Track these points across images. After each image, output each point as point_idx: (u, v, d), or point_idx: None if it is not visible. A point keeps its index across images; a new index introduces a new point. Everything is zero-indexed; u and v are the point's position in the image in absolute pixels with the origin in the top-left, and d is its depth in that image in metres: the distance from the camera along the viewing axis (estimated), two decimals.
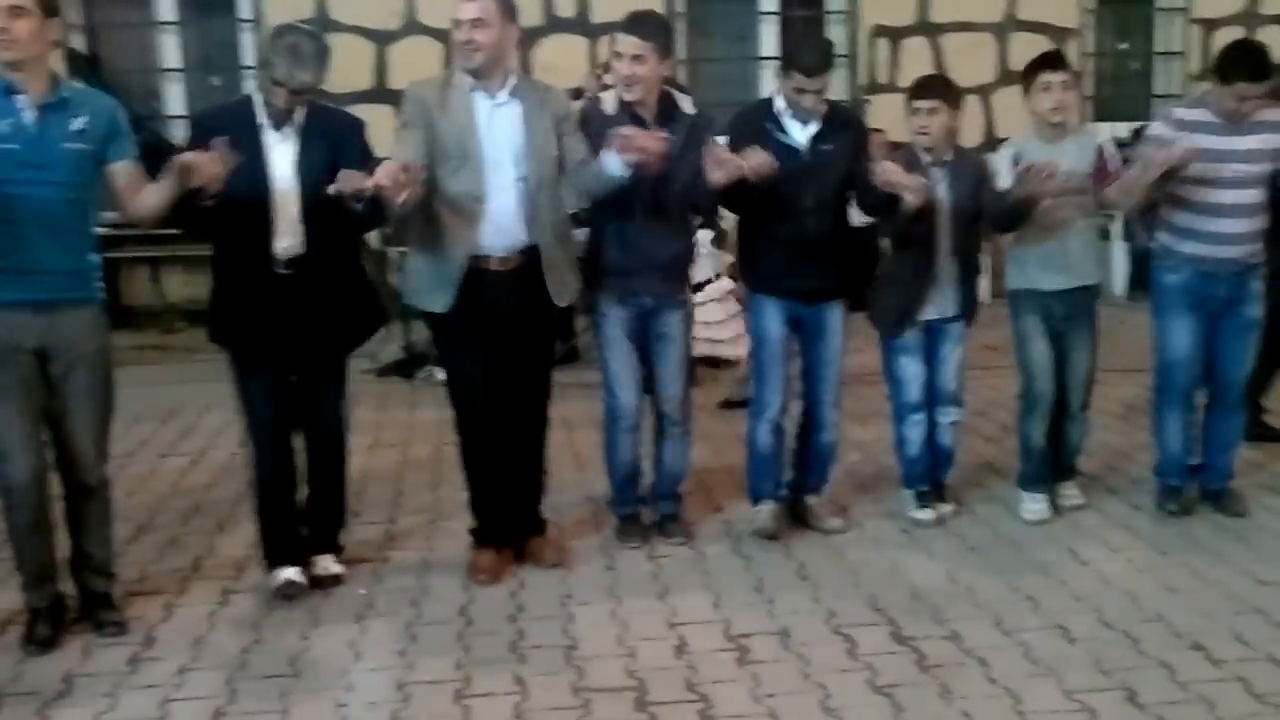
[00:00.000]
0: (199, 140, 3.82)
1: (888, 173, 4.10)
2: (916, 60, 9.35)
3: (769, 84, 9.29)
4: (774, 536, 4.44)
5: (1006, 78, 9.20)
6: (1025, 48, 9.31)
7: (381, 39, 8.64)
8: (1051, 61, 4.42)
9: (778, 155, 4.11)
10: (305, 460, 4.15)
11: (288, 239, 3.86)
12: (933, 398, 4.58)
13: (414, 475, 5.27)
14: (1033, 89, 4.40)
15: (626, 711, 3.33)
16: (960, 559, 4.32)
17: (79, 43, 8.94)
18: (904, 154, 4.37)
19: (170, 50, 8.95)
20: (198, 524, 4.79)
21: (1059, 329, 4.52)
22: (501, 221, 3.98)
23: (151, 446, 5.81)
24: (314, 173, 3.82)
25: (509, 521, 4.31)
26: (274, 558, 4.11)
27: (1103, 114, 9.56)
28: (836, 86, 9.35)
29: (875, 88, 9.24)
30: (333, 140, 3.91)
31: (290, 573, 4.07)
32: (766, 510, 4.51)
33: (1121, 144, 4.93)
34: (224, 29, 8.94)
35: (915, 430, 4.56)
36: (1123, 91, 9.80)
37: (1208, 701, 3.30)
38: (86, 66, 8.83)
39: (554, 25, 8.91)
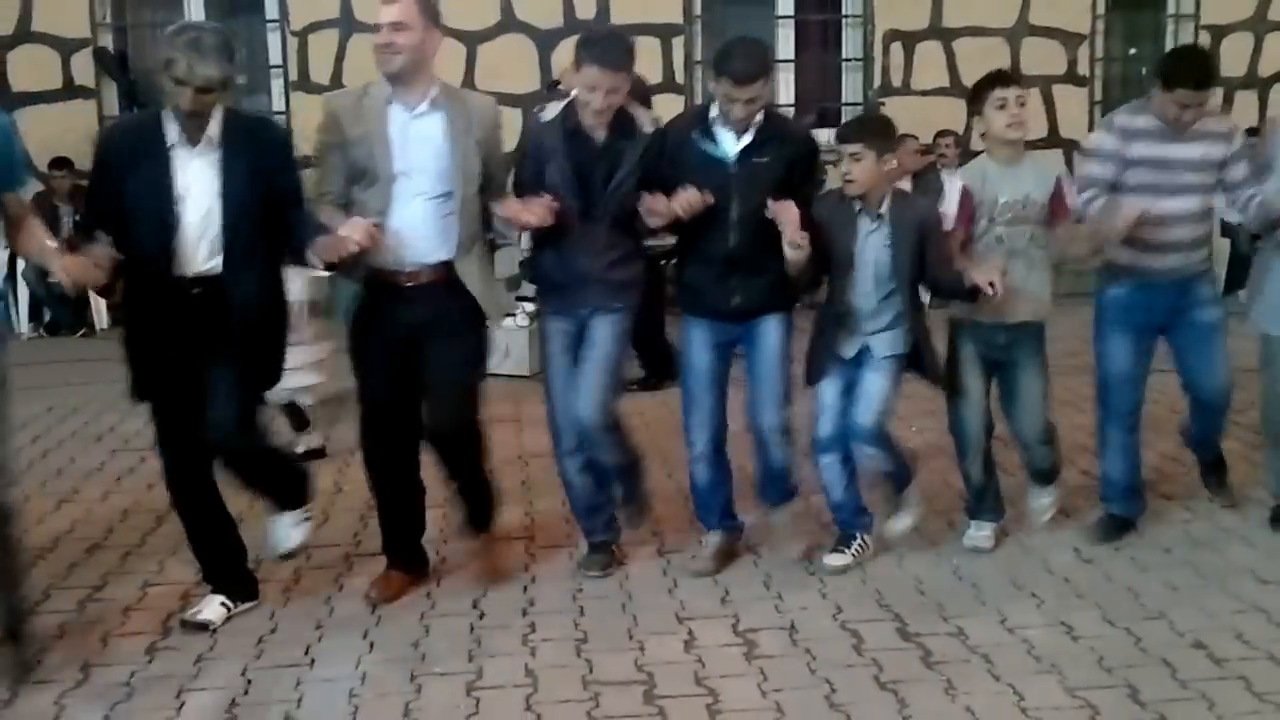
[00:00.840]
0: (106, 157, 3.59)
1: (776, 211, 3.79)
2: (930, 64, 9.33)
3: (785, 88, 9.28)
4: (712, 573, 4.15)
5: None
6: (1037, 52, 9.32)
7: None
8: (1004, 78, 4.08)
9: (702, 167, 3.89)
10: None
11: (204, 258, 3.56)
12: (848, 431, 4.14)
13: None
14: (986, 108, 4.03)
15: (635, 704, 3.31)
16: (965, 557, 4.28)
17: (108, 41, 8.97)
18: (830, 199, 4.04)
19: None
20: None
21: (1001, 359, 4.21)
22: (411, 236, 3.74)
23: None
24: (238, 189, 3.55)
25: (416, 544, 4.16)
26: (207, 577, 3.94)
27: None
28: (851, 88, 9.39)
29: (889, 91, 9.21)
30: (256, 152, 3.60)
31: (209, 610, 3.81)
32: (711, 544, 4.23)
33: None
34: (253, 29, 8.98)
35: (829, 473, 4.16)
36: (1132, 96, 9.70)
37: (1208, 699, 3.26)
38: (116, 65, 8.87)
39: (573, 27, 8.89)
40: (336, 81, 8.75)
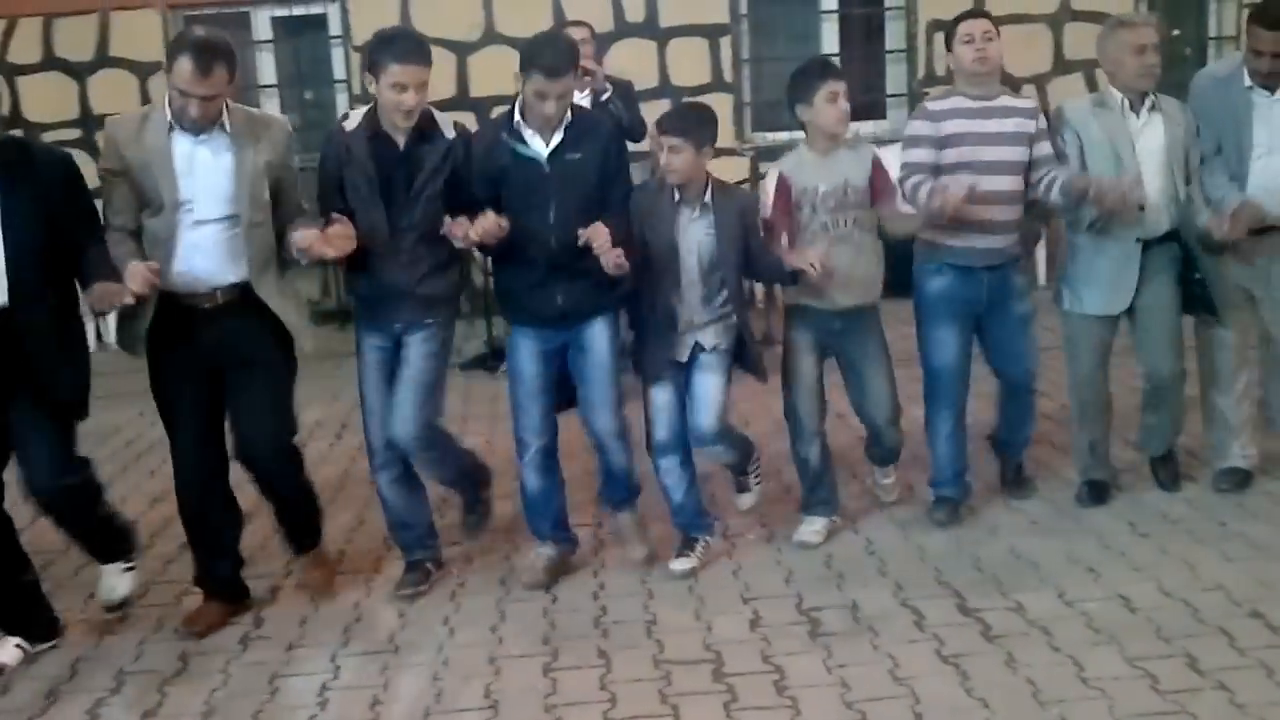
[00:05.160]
0: None
1: (589, 237, 3.62)
2: None
3: None
4: (544, 587, 3.99)
5: (1062, 67, 9.08)
6: (1080, 37, 9.18)
7: (463, 50, 8.73)
8: (835, 71, 4.09)
9: (516, 168, 3.74)
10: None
11: None
12: (689, 434, 4.03)
13: (498, 463, 5.23)
14: (817, 100, 3.95)
15: (705, 682, 3.35)
16: (1022, 532, 4.28)
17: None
18: (650, 189, 3.97)
19: (267, 67, 9.11)
20: None
21: (838, 347, 4.18)
22: (202, 260, 3.57)
23: None
24: (21, 221, 3.39)
25: (233, 575, 3.97)
26: None
27: None
28: (895, 80, 9.33)
29: (932, 81, 9.13)
30: (39, 182, 3.44)
31: (4, 653, 3.63)
32: (541, 557, 4.06)
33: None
34: (316, 46, 9.08)
35: (669, 477, 4.06)
36: (1175, 77, 9.53)
37: (1267, 667, 3.24)
38: None
39: (623, 30, 8.91)
40: None
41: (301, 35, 9.17)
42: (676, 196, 3.87)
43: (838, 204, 4.01)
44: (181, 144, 3.56)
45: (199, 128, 3.53)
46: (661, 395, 3.99)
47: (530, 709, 3.26)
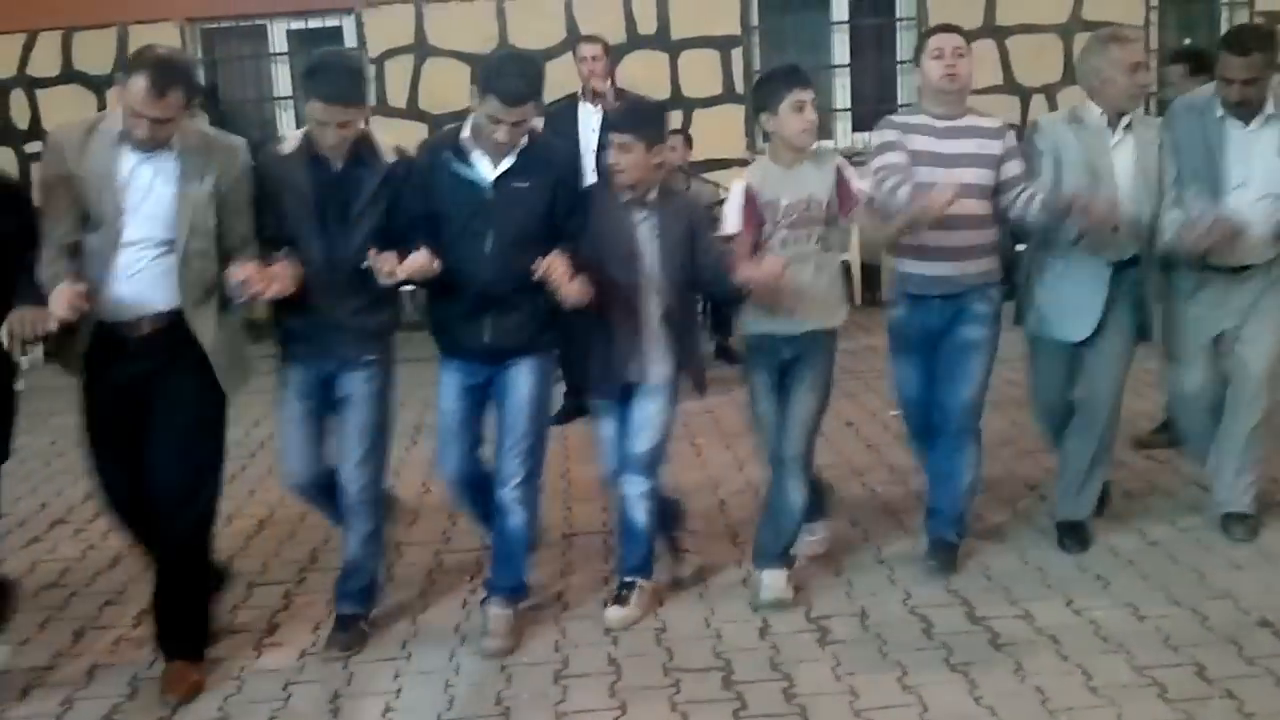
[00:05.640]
0: None
1: (545, 273, 3.41)
2: (984, 63, 9.18)
3: (841, 93, 9.26)
4: (507, 652, 3.63)
5: (1072, 77, 9.05)
6: None
7: (477, 62, 8.74)
8: (802, 80, 3.70)
9: (455, 191, 3.52)
10: None
11: None
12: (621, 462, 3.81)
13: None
14: (782, 109, 3.66)
15: (714, 690, 3.35)
16: (1030, 541, 4.27)
17: (199, 75, 9.20)
18: (598, 190, 3.78)
19: (282, 79, 9.18)
20: (313, 519, 4.88)
21: (784, 370, 3.83)
22: (135, 285, 3.31)
23: (269, 448, 5.94)
24: None
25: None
26: None
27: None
28: (906, 90, 9.33)
29: None
30: None
31: None
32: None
33: None
34: None
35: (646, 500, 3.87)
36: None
37: (1276, 675, 3.24)
38: (206, 96, 9.10)
39: (635, 42, 8.96)
40: (413, 105, 8.89)
41: (317, 47, 9.22)
42: (626, 198, 3.67)
43: (799, 218, 3.71)
44: (128, 160, 3.32)
45: (147, 146, 3.31)
46: (609, 427, 3.83)
47: (541, 716, 3.27)
